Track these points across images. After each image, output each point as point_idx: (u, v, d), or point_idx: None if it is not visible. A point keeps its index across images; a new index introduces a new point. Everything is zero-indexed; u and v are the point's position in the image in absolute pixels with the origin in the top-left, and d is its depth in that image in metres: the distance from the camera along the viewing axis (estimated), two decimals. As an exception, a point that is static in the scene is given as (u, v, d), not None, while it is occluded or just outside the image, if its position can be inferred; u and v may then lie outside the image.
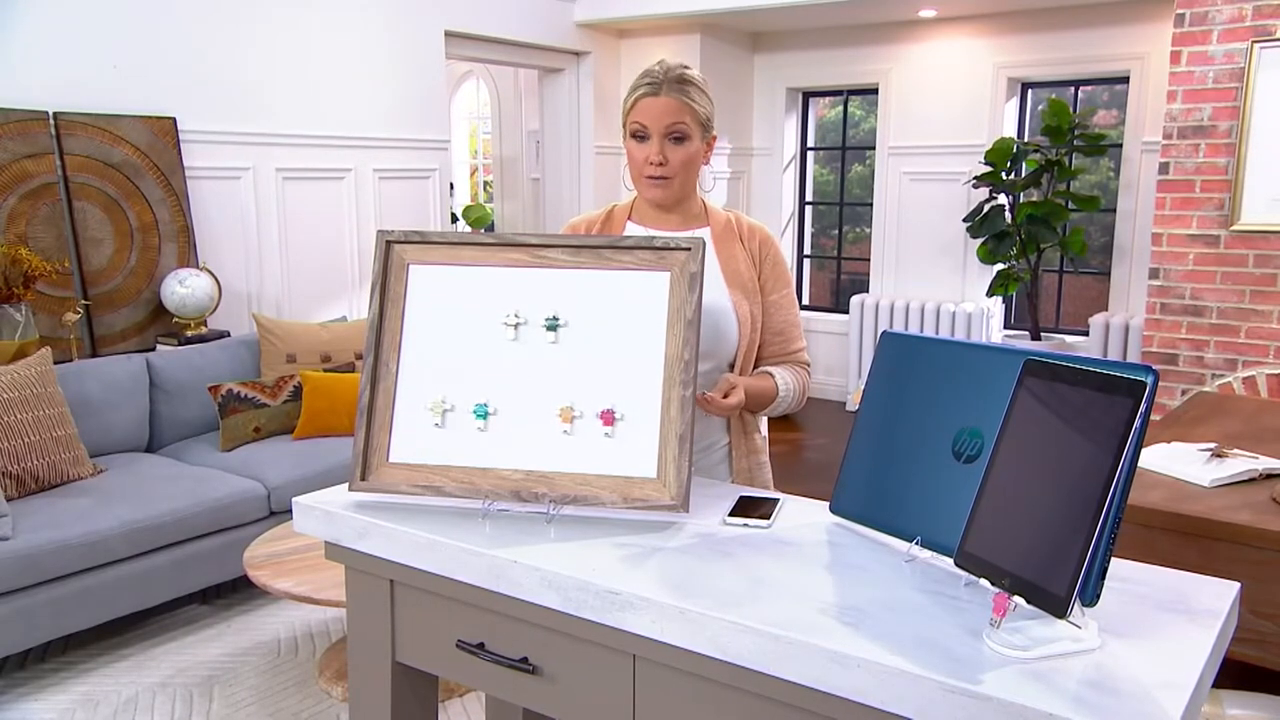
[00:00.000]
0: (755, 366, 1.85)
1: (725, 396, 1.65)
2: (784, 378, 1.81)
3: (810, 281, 6.94)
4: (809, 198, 6.81)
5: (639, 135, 1.75)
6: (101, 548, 2.89)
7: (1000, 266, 5.62)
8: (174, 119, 4.03)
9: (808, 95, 6.67)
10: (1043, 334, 5.66)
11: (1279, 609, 1.83)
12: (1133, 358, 5.03)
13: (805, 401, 1.88)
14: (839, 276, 6.82)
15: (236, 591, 3.48)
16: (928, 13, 5.64)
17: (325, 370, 3.92)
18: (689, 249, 1.46)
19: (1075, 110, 5.41)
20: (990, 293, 5.59)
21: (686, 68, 1.75)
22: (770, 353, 1.85)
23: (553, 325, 1.48)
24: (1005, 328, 6.11)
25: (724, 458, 1.85)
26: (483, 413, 1.47)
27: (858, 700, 1.02)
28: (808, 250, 6.87)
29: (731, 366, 1.81)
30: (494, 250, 1.52)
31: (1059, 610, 0.99)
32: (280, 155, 4.47)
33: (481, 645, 1.37)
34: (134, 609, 3.03)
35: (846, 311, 6.35)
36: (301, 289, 4.63)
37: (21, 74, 3.60)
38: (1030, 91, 5.85)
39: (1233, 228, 4.12)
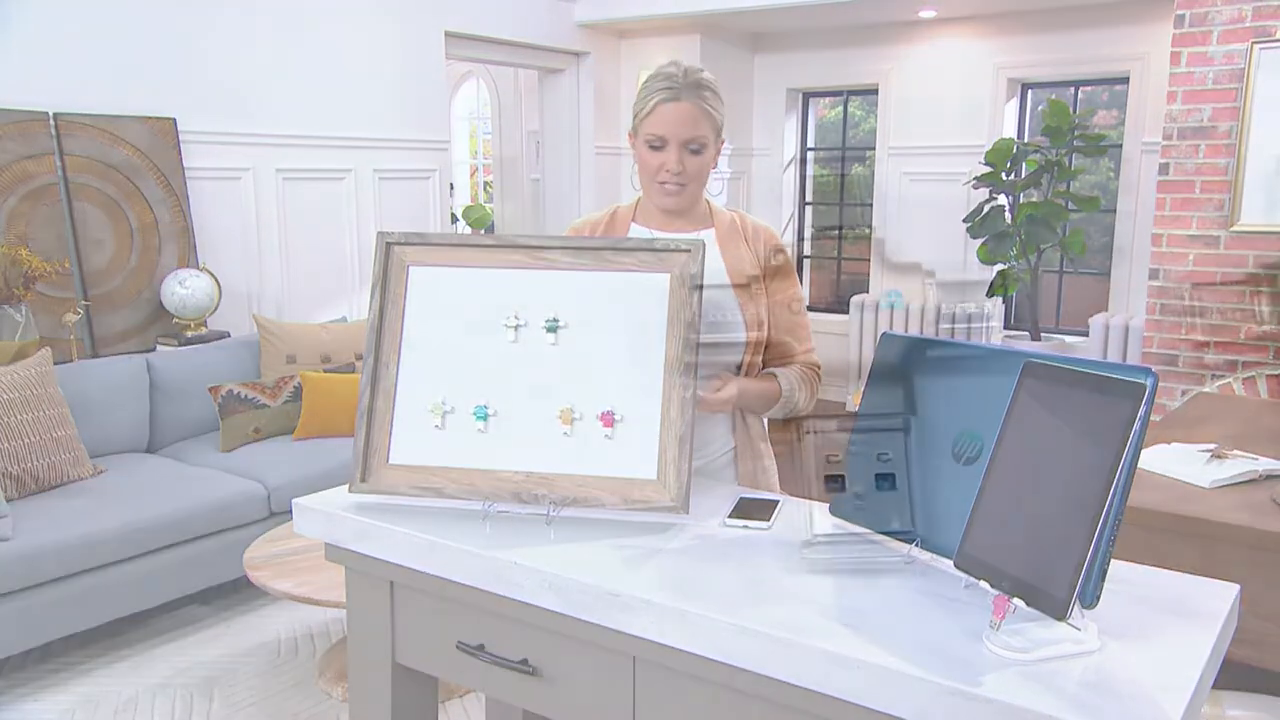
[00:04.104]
0: (763, 369, 1.81)
1: (717, 392, 1.63)
2: (788, 379, 1.78)
3: (810, 281, 6.94)
4: (809, 198, 6.81)
5: (655, 145, 1.70)
6: (101, 548, 2.89)
7: (1000, 267, 5.62)
8: (174, 119, 4.03)
9: (808, 95, 6.67)
10: (1043, 334, 5.66)
11: (1279, 610, 1.83)
12: (1133, 358, 5.03)
13: (816, 404, 1.84)
14: (839, 276, 6.82)
15: (236, 592, 3.47)
16: (928, 13, 5.64)
17: (325, 371, 3.92)
18: (688, 251, 1.46)
19: (1075, 111, 5.41)
20: (990, 293, 5.58)
21: (702, 70, 1.70)
22: (778, 354, 1.82)
23: (553, 327, 1.48)
24: (1005, 328, 6.10)
25: (729, 461, 1.83)
26: (483, 414, 1.47)
27: (857, 702, 1.02)
28: (808, 250, 6.87)
29: (739, 369, 1.78)
30: (494, 252, 1.52)
31: (1059, 612, 0.99)
32: (280, 156, 4.47)
33: (481, 647, 1.37)
34: (134, 609, 3.03)
35: (846, 311, 6.35)
36: (301, 289, 4.63)
37: (21, 74, 3.59)
38: (1030, 92, 5.85)
39: (1232, 228, 4.12)
